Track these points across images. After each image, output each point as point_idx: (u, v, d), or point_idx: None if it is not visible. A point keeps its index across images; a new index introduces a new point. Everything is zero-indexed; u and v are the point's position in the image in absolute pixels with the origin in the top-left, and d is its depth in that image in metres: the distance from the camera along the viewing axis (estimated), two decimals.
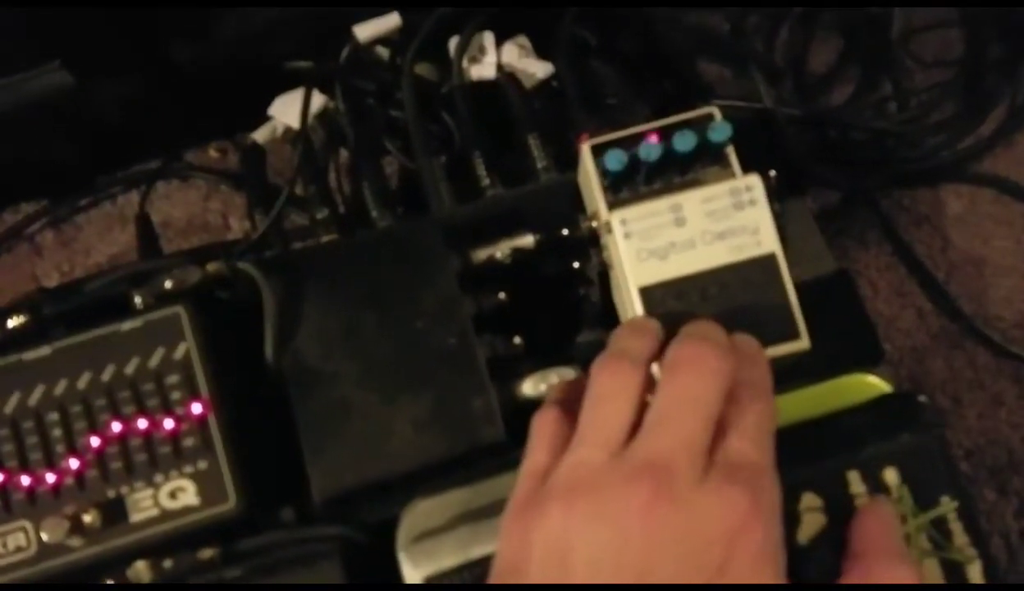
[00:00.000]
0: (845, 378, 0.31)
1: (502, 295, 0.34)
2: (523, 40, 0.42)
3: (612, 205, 0.32)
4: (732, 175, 0.32)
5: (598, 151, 0.32)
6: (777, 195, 0.32)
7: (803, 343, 0.30)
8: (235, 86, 0.42)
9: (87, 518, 0.28)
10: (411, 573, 0.28)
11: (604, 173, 0.32)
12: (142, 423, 0.29)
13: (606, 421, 0.24)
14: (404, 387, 0.32)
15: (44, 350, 0.30)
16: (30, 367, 0.30)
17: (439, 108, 0.41)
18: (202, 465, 0.29)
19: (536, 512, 0.23)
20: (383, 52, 0.42)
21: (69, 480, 0.29)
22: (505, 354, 0.33)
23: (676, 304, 0.30)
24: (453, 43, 0.41)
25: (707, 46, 0.46)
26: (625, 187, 0.33)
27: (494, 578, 0.24)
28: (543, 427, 0.26)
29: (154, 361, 0.30)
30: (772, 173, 0.32)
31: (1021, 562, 0.37)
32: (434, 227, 0.34)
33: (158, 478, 0.29)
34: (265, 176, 0.41)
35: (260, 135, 0.41)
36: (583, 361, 0.33)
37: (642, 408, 0.24)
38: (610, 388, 0.25)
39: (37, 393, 0.30)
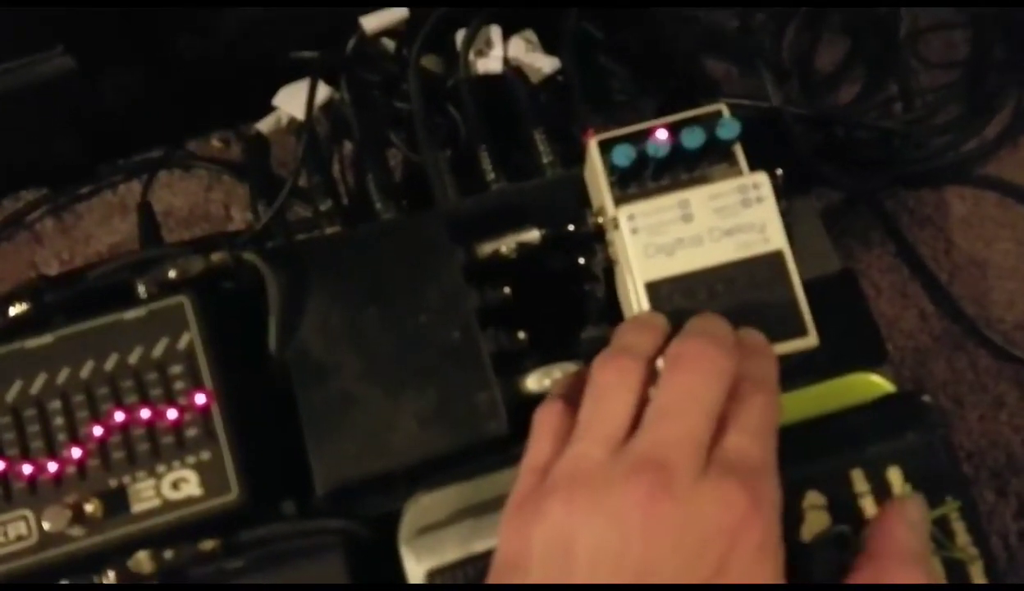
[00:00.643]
0: (849, 377, 0.31)
1: (507, 290, 0.34)
2: (530, 34, 0.42)
3: (619, 201, 0.32)
4: (739, 172, 0.32)
5: (605, 146, 0.32)
6: (784, 193, 0.32)
7: (811, 340, 0.29)
8: (240, 76, 0.42)
9: (89, 508, 0.28)
10: (413, 567, 0.28)
11: (611, 169, 0.32)
12: (145, 413, 0.29)
13: (607, 416, 0.24)
14: (407, 380, 0.32)
15: (46, 338, 0.30)
16: (32, 355, 0.30)
17: (445, 101, 0.41)
18: (205, 456, 0.29)
19: (537, 507, 0.23)
20: (389, 44, 0.42)
21: (71, 469, 0.29)
22: (509, 349, 0.33)
23: (683, 300, 0.30)
24: (460, 37, 0.41)
25: (714, 43, 0.46)
26: (632, 183, 0.33)
27: (494, 573, 0.24)
28: (544, 421, 0.26)
29: (157, 350, 0.30)
30: (779, 171, 0.32)
31: (1020, 563, 0.37)
32: (439, 220, 0.34)
33: (160, 468, 0.29)
34: (269, 167, 0.41)
35: (264, 125, 0.41)
36: (587, 357, 0.33)
37: (644, 403, 0.24)
38: (611, 383, 0.25)
39: (39, 381, 0.29)
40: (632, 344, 0.26)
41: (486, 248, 0.34)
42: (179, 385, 0.29)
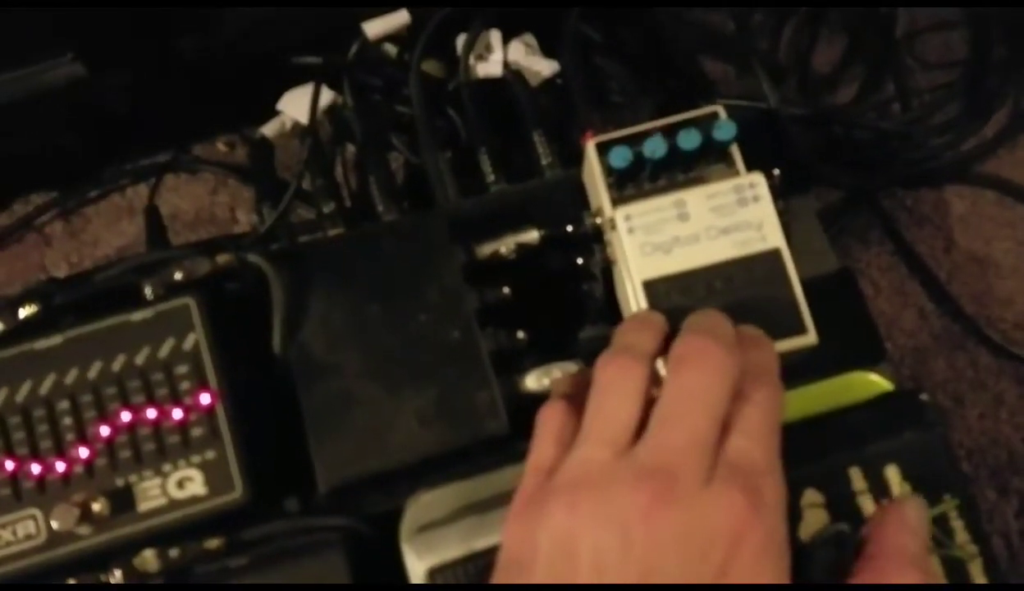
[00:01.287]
0: (847, 376, 0.31)
1: (506, 290, 0.34)
2: (529, 38, 0.43)
3: (616, 201, 0.32)
4: (736, 173, 0.32)
5: (603, 148, 0.33)
6: (781, 193, 0.32)
7: (810, 338, 0.30)
8: (244, 80, 0.42)
9: (96, 506, 0.29)
10: (414, 564, 0.29)
11: (609, 170, 0.32)
12: (151, 413, 0.30)
13: (611, 417, 0.24)
14: (408, 380, 0.32)
15: (55, 339, 0.30)
16: (41, 356, 0.30)
17: (446, 104, 0.42)
18: (210, 455, 0.29)
19: (541, 508, 0.23)
20: (391, 49, 0.42)
21: (79, 468, 0.29)
22: (509, 348, 0.34)
23: (680, 298, 0.30)
24: (460, 41, 0.41)
25: (712, 44, 0.46)
26: (630, 184, 0.33)
27: (498, 571, 0.24)
28: (548, 421, 0.26)
29: (164, 351, 0.30)
30: (776, 171, 0.32)
31: (1022, 562, 0.37)
32: (439, 221, 0.35)
33: (166, 467, 0.29)
34: (273, 170, 0.42)
35: (268, 129, 0.42)
36: (586, 356, 0.33)
37: (647, 403, 0.25)
38: (615, 384, 0.25)
39: (48, 382, 0.30)
40: (633, 343, 0.26)
41: (486, 249, 0.35)
42: (184, 385, 0.30)
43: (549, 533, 0.23)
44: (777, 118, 0.41)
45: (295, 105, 0.41)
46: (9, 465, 0.29)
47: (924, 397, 0.29)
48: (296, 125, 0.42)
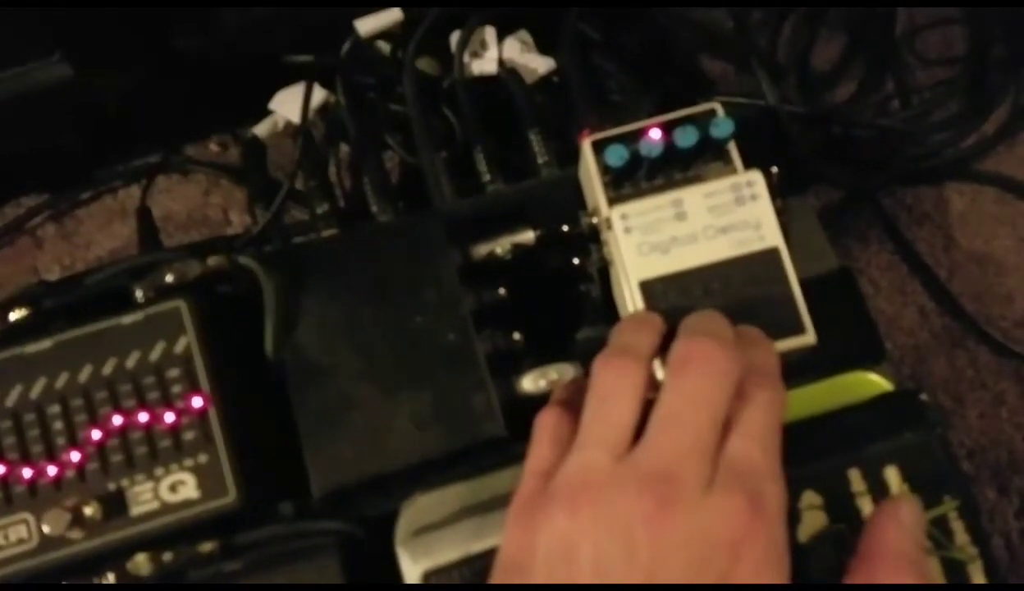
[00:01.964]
0: (847, 376, 0.31)
1: (502, 291, 0.34)
2: (525, 36, 0.42)
3: (613, 201, 0.32)
4: (734, 171, 0.32)
5: (599, 147, 0.32)
6: (780, 191, 0.32)
7: (809, 338, 0.29)
8: (236, 80, 0.42)
9: (88, 511, 0.28)
10: (410, 568, 0.28)
11: (605, 169, 0.32)
12: (143, 416, 0.29)
13: (610, 420, 0.24)
14: (404, 382, 0.32)
15: (45, 343, 0.30)
16: (31, 360, 0.30)
17: (441, 103, 0.41)
18: (202, 459, 0.29)
19: (541, 513, 0.23)
20: (384, 47, 0.42)
21: (70, 473, 0.29)
22: (505, 350, 0.33)
23: (677, 298, 0.30)
24: (455, 38, 0.41)
25: (711, 43, 0.46)
26: (627, 183, 0.33)
27: (497, 574, 0.24)
28: (546, 425, 0.26)
29: (155, 355, 0.30)
30: (774, 169, 0.32)
31: (1022, 562, 0.37)
32: (435, 222, 0.34)
33: (158, 471, 0.29)
34: (266, 170, 0.41)
35: (261, 129, 0.41)
36: (583, 357, 0.33)
37: (646, 405, 0.24)
38: (614, 386, 0.25)
39: (38, 386, 0.30)
40: (631, 344, 0.26)
41: (481, 249, 0.34)
42: (176, 389, 0.29)
43: (549, 537, 0.23)
44: (776, 116, 0.41)
45: (287, 104, 0.41)
46: (0, 470, 0.29)
47: (924, 397, 0.28)
48: (289, 125, 0.41)
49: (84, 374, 0.30)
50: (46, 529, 0.28)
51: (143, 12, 0.38)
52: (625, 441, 0.24)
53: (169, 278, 0.31)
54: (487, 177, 0.37)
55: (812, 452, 0.27)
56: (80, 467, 0.29)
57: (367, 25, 0.40)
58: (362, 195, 0.38)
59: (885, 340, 0.41)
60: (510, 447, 0.31)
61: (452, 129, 0.41)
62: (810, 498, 0.27)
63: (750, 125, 0.33)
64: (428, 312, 0.33)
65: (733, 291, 0.30)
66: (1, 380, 0.30)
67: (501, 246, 0.34)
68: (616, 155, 0.31)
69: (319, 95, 0.40)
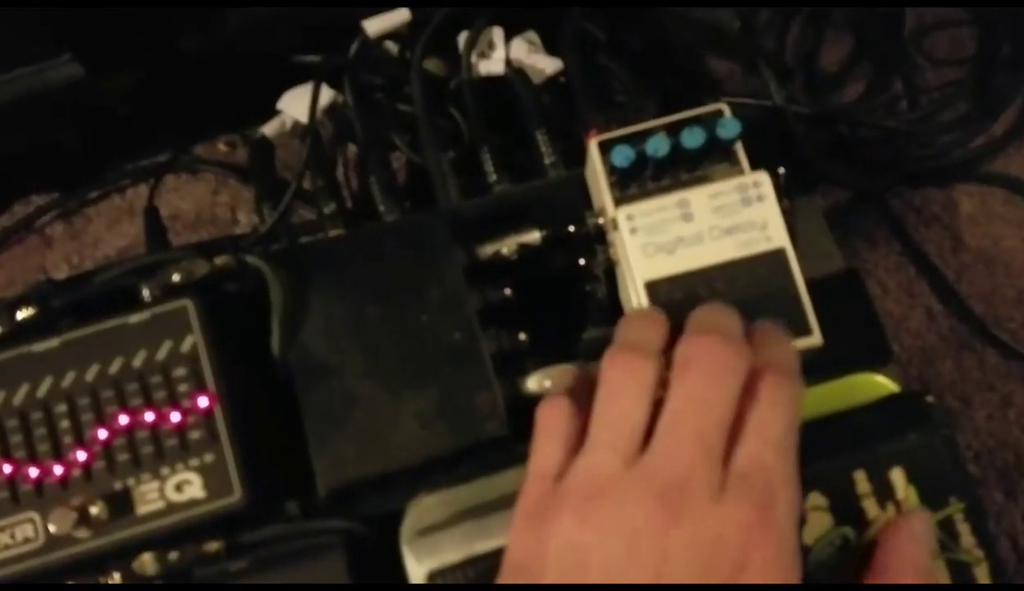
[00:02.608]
0: (853, 377, 0.31)
1: (508, 291, 0.34)
2: (532, 36, 0.42)
3: (619, 201, 0.32)
4: (741, 172, 0.32)
5: (605, 147, 0.32)
6: (786, 192, 0.32)
7: (815, 339, 0.29)
8: (244, 80, 0.42)
9: (94, 510, 0.28)
10: (415, 567, 0.28)
11: (611, 169, 0.32)
12: (149, 416, 0.29)
13: (619, 422, 0.24)
14: (409, 381, 0.32)
15: (53, 342, 0.30)
16: (39, 358, 0.30)
17: (448, 103, 0.41)
18: (208, 458, 0.29)
19: (550, 516, 0.23)
20: (392, 47, 0.42)
21: (76, 472, 0.29)
22: (510, 350, 0.33)
23: (683, 299, 0.30)
24: (462, 39, 0.41)
25: (717, 43, 0.46)
26: (633, 183, 0.32)
27: (504, 576, 0.24)
28: (550, 422, 0.26)
29: (161, 354, 0.30)
30: (781, 170, 0.32)
31: None
32: (441, 221, 0.34)
33: (164, 471, 0.29)
34: (274, 170, 0.41)
35: (269, 129, 0.41)
36: (588, 357, 0.33)
37: (656, 403, 0.24)
38: (622, 384, 0.24)
39: (45, 385, 0.30)
40: (639, 340, 0.26)
41: (487, 249, 0.34)
42: (183, 388, 0.30)
43: (558, 542, 0.23)
44: (783, 116, 0.40)
45: (295, 104, 0.41)
46: (7, 469, 0.29)
47: (930, 399, 0.28)
48: (296, 124, 0.41)
49: (91, 373, 0.30)
50: (52, 528, 0.28)
51: (150, 12, 0.38)
52: (635, 443, 0.23)
53: (176, 277, 0.31)
54: (493, 177, 0.37)
55: (817, 453, 0.27)
56: (86, 466, 0.29)
57: (375, 26, 0.40)
58: (369, 195, 0.38)
59: (892, 341, 0.41)
60: (514, 447, 0.31)
61: (459, 129, 0.41)
62: (815, 500, 0.27)
63: (757, 125, 0.33)
64: (433, 311, 0.33)
65: (739, 292, 0.30)
66: (8, 378, 0.30)
67: (507, 246, 0.34)
68: (622, 156, 0.31)
69: (327, 95, 0.40)
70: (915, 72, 0.46)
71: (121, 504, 0.29)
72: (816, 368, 0.31)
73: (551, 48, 0.42)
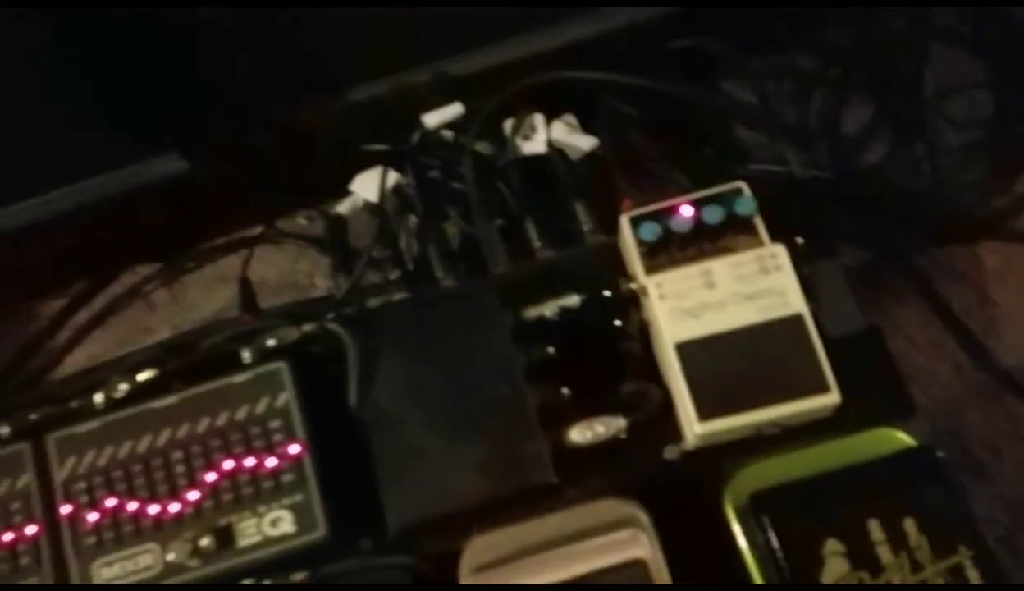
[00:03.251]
0: (873, 432, 0.34)
1: (551, 349, 0.38)
2: (570, 118, 0.47)
3: (649, 270, 0.36)
4: (760, 243, 0.36)
5: (635, 222, 0.36)
6: (809, 255, 0.35)
7: (833, 397, 0.32)
8: (321, 165, 0.48)
9: (203, 542, 0.34)
10: None
11: (640, 242, 0.36)
12: (249, 461, 0.35)
13: None
14: (464, 432, 0.36)
15: (171, 399, 0.36)
16: (159, 413, 0.36)
17: (496, 179, 0.47)
18: (298, 498, 0.34)
19: None
20: (447, 134, 0.48)
21: (189, 510, 0.35)
22: (554, 403, 0.37)
23: (710, 359, 0.33)
24: (508, 125, 0.46)
25: (740, 116, 0.50)
26: (662, 253, 0.37)
27: None
28: None
29: (260, 408, 0.35)
30: (799, 240, 0.35)
31: None
32: (490, 288, 0.39)
33: (262, 508, 0.34)
34: (347, 242, 0.47)
35: (343, 207, 0.48)
36: (626, 410, 0.37)
37: None
38: None
39: (164, 435, 0.36)
40: None
41: (531, 311, 0.39)
42: (277, 437, 0.35)
43: None
44: (802, 185, 0.44)
45: (365, 185, 0.47)
46: (132, 506, 0.35)
47: (941, 454, 0.31)
48: (367, 203, 0.47)
49: (202, 425, 0.35)
50: (170, 558, 0.33)
51: (243, 111, 0.45)
52: None
53: (271, 342, 0.36)
54: (537, 244, 0.42)
55: (835, 502, 0.30)
56: (198, 505, 0.35)
57: (433, 119, 0.46)
58: (428, 260, 0.43)
59: (922, 393, 0.42)
60: (559, 493, 0.35)
61: (506, 201, 0.46)
62: (833, 546, 0.29)
63: (780, 193, 0.36)
64: (484, 369, 0.37)
65: (761, 352, 0.33)
66: (134, 431, 0.36)
67: (549, 309, 0.39)
68: (649, 231, 0.35)
69: (392, 177, 0.46)
70: (936, 134, 0.48)
71: (225, 537, 0.34)
72: (840, 423, 0.33)
73: (587, 125, 0.47)
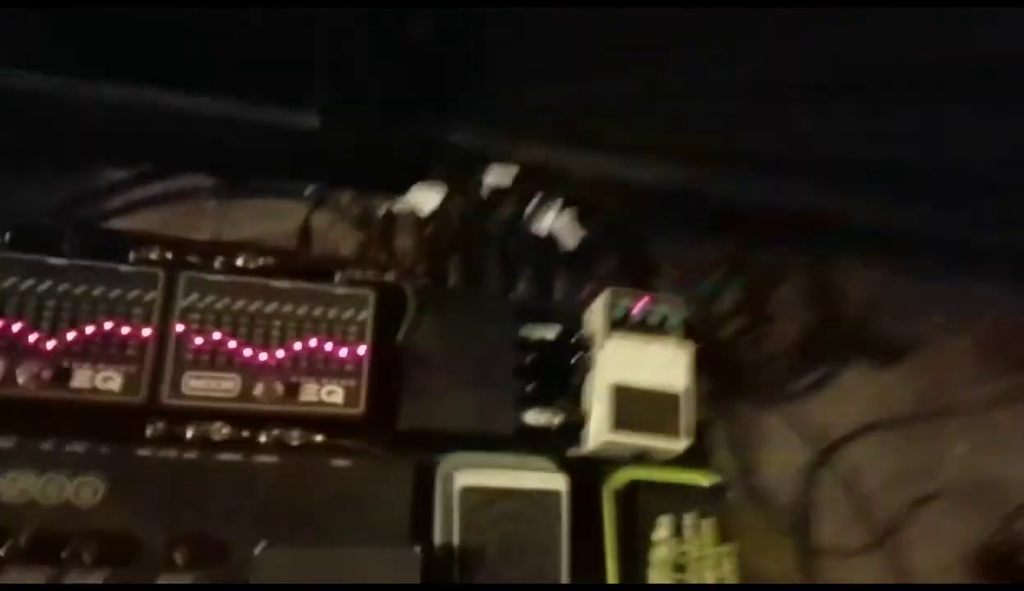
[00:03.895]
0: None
1: (531, 356, 0.57)
2: (572, 212, 0.69)
3: (607, 333, 0.57)
4: (678, 340, 0.58)
5: (614, 298, 0.57)
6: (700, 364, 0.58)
7: (681, 443, 0.54)
8: (391, 161, 0.64)
9: (277, 387, 0.46)
10: (453, 480, 0.48)
11: (610, 314, 0.57)
12: (328, 345, 0.49)
13: None
14: (464, 383, 0.53)
15: (286, 283, 0.50)
16: (273, 290, 0.49)
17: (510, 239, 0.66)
18: (351, 382, 0.49)
19: None
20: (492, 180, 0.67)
21: (273, 363, 0.48)
22: (523, 390, 0.56)
23: (630, 402, 0.54)
24: (535, 201, 0.67)
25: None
26: (622, 326, 0.58)
27: None
28: None
29: (346, 315, 0.50)
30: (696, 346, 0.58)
31: None
32: (507, 305, 0.58)
33: (324, 380, 0.48)
34: (393, 236, 0.63)
35: (397, 207, 0.64)
36: (562, 412, 0.56)
37: None
38: None
39: (272, 306, 0.49)
40: None
41: (526, 329, 0.58)
42: (351, 338, 0.50)
43: None
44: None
45: (420, 197, 0.64)
46: (231, 344, 0.47)
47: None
48: (419, 209, 0.64)
49: (302, 309, 0.49)
50: (256, 393, 0.46)
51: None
52: None
53: (361, 274, 0.52)
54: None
55: (662, 495, 0.51)
56: (280, 362, 0.48)
57: (492, 177, 0.65)
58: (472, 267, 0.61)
59: None
60: (509, 445, 0.52)
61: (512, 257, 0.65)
62: (663, 520, 0.49)
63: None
64: (488, 348, 0.55)
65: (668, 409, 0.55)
66: (251, 294, 0.49)
67: (538, 331, 0.58)
68: (619, 310, 0.57)
69: (438, 197, 0.63)
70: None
71: (292, 390, 0.47)
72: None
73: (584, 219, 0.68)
